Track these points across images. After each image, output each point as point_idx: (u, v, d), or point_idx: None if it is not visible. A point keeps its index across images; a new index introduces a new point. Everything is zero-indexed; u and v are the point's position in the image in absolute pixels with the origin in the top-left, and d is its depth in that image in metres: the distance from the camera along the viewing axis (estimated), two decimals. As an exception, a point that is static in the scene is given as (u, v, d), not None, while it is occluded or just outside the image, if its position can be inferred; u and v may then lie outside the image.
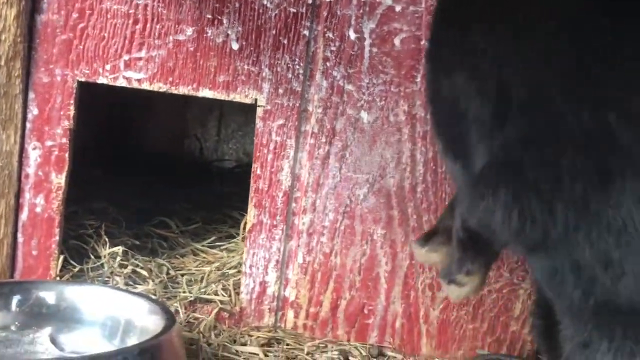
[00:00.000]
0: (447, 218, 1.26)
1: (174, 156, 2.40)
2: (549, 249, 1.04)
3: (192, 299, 1.54)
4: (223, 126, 2.45)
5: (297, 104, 1.49)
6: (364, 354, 1.51)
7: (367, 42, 1.48)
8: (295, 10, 1.47)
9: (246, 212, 1.54)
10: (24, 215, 1.50)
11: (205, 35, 1.47)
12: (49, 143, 1.49)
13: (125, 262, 1.59)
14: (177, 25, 1.47)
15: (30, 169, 1.49)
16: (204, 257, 1.73)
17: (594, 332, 1.03)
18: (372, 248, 1.53)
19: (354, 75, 1.49)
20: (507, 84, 1.05)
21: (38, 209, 1.50)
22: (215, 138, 2.45)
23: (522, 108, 1.04)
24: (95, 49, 1.47)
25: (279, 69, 1.48)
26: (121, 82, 1.48)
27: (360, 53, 1.48)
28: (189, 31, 1.47)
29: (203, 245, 1.77)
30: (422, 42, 1.47)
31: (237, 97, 1.49)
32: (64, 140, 1.49)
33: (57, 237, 1.51)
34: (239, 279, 1.56)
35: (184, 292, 1.56)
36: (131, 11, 1.46)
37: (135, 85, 1.48)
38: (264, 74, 1.48)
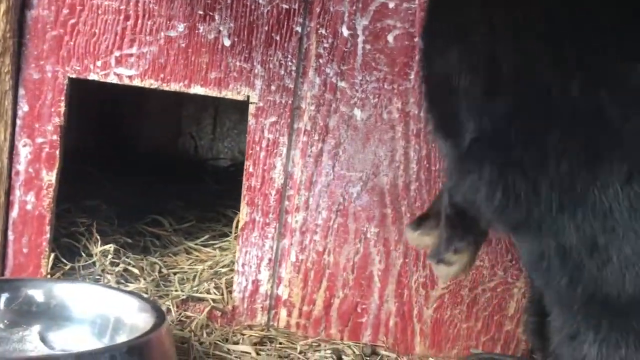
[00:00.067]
0: (439, 202, 1.25)
1: (168, 155, 2.40)
2: (532, 228, 1.04)
3: (184, 297, 1.53)
4: (218, 124, 2.44)
5: (290, 101, 1.48)
6: (357, 353, 1.50)
7: (360, 39, 1.47)
8: (287, 7, 1.46)
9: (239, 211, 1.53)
10: (14, 213, 1.49)
11: (196, 31, 1.46)
12: (39, 140, 1.48)
13: (117, 260, 1.58)
14: (168, 22, 1.46)
15: (21, 166, 1.48)
16: (197, 256, 1.72)
17: (581, 323, 1.03)
18: (365, 246, 1.52)
19: (347, 72, 1.48)
20: (498, 59, 1.05)
21: (29, 207, 1.49)
22: (210, 136, 2.45)
23: (511, 83, 1.04)
24: (86, 45, 1.46)
25: (271, 66, 1.47)
26: (112, 79, 1.47)
27: (354, 50, 1.47)
28: (181, 27, 1.46)
29: (196, 244, 1.76)
30: (416, 39, 1.46)
31: (229, 94, 1.48)
32: (55, 137, 1.48)
33: (48, 235, 1.50)
34: (232, 278, 1.55)
35: (176, 290, 1.55)
36: (122, 7, 1.45)
37: (126, 81, 1.47)
38: (256, 71, 1.47)
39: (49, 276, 1.49)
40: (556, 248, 1.03)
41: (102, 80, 1.47)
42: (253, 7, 1.46)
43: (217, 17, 1.46)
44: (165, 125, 2.43)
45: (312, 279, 1.53)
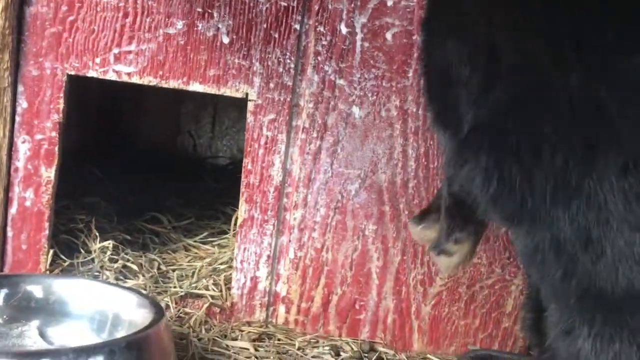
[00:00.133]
0: (441, 196, 1.26)
1: (167, 152, 2.40)
2: (526, 219, 1.04)
3: (182, 293, 1.53)
4: (217, 123, 2.44)
5: (289, 99, 1.49)
6: (355, 349, 1.50)
7: (358, 37, 1.48)
8: (286, 4, 1.46)
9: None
10: (13, 209, 1.50)
11: (195, 28, 1.47)
12: (38, 137, 1.48)
13: (116, 257, 1.58)
14: (167, 19, 1.46)
15: (20, 162, 1.49)
16: (196, 253, 1.72)
17: (576, 317, 1.03)
18: (363, 244, 1.52)
19: (345, 69, 1.48)
20: (498, 49, 1.06)
21: (27, 203, 1.50)
22: (209, 135, 2.45)
23: (510, 73, 1.05)
24: (85, 42, 1.46)
25: (270, 63, 1.48)
26: (111, 76, 1.47)
27: (352, 47, 1.48)
28: (179, 24, 1.46)
29: (195, 241, 1.77)
30: (414, 37, 1.47)
31: (227, 91, 1.48)
32: (54, 133, 1.48)
33: (47, 231, 1.50)
34: (230, 274, 1.55)
35: (175, 287, 1.55)
36: (121, 4, 1.46)
37: (125, 79, 1.47)
38: (254, 68, 1.48)
39: (47, 272, 1.49)
40: (550, 241, 1.03)
41: (101, 77, 1.47)
42: (252, 4, 1.46)
43: (215, 14, 1.47)
44: (164, 124, 2.44)
45: (311, 275, 1.53)
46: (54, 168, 1.49)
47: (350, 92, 1.49)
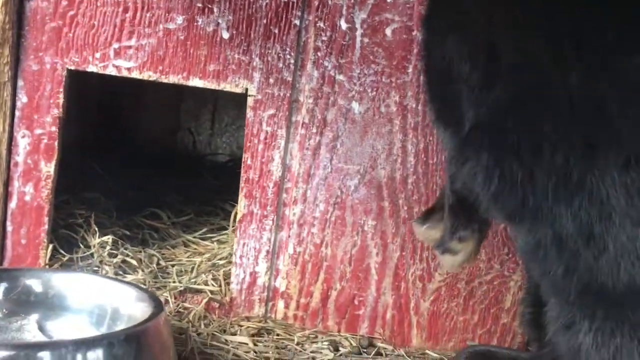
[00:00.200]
0: (444, 195, 1.26)
1: (167, 149, 2.40)
2: (527, 216, 1.04)
3: (181, 288, 1.53)
4: (217, 120, 2.44)
5: (288, 94, 1.49)
6: (354, 344, 1.50)
7: (358, 32, 1.48)
8: (286, 0, 1.46)
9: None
10: (12, 204, 1.50)
11: (195, 23, 1.47)
12: (38, 131, 1.48)
13: (115, 252, 1.59)
14: (167, 14, 1.46)
15: (20, 157, 1.49)
16: (195, 248, 1.73)
17: (577, 312, 1.04)
18: (362, 239, 1.52)
19: (345, 65, 1.48)
20: (498, 47, 1.06)
21: (27, 198, 1.50)
22: (209, 132, 2.45)
23: (510, 72, 1.05)
24: (85, 37, 1.46)
25: (269, 59, 1.48)
26: (111, 71, 1.47)
27: (352, 43, 1.48)
28: (179, 20, 1.47)
29: (194, 237, 1.77)
30: (414, 33, 1.47)
31: (227, 86, 1.49)
32: (54, 128, 1.48)
33: (47, 226, 1.51)
34: (230, 270, 1.55)
35: (174, 282, 1.55)
36: (121, -1, 1.46)
37: (125, 74, 1.47)
38: (254, 64, 1.48)
39: (47, 267, 1.49)
40: (552, 237, 1.04)
41: (101, 72, 1.47)
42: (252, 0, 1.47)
43: (215, 9, 1.47)
44: (164, 120, 2.44)
45: (310, 271, 1.53)
46: (53, 163, 1.49)
47: (349, 88, 1.49)
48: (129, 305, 1.26)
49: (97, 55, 1.47)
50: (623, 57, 1.01)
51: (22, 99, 1.47)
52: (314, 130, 1.50)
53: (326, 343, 1.49)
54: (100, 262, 1.56)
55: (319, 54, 1.48)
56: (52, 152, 1.49)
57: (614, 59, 1.01)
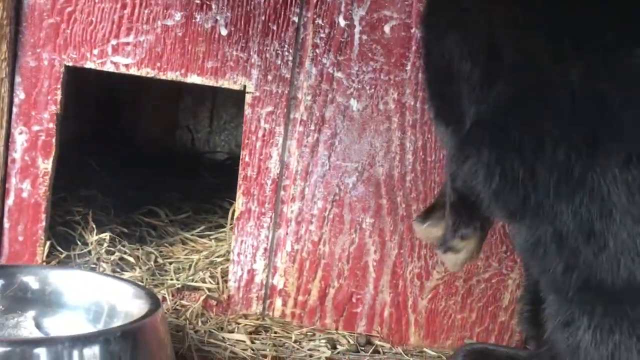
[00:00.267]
0: (445, 194, 1.26)
1: (166, 147, 2.40)
2: (528, 214, 1.04)
3: (179, 286, 1.53)
4: (215, 118, 2.44)
5: (286, 91, 1.49)
6: (351, 342, 1.50)
7: (356, 30, 1.47)
8: (284, -4, 1.46)
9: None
10: (10, 201, 1.49)
11: (193, 20, 1.46)
12: (35, 128, 1.48)
13: (113, 249, 1.58)
14: (165, 10, 1.46)
15: (17, 153, 1.48)
16: (193, 246, 1.72)
17: (575, 309, 1.03)
18: (360, 237, 1.52)
19: (343, 62, 1.48)
20: (498, 45, 1.06)
21: (24, 194, 1.49)
22: (207, 129, 2.45)
23: (511, 69, 1.05)
24: (82, 33, 1.46)
25: (267, 56, 1.48)
26: (109, 67, 1.47)
27: (350, 40, 1.48)
28: (178, 16, 1.46)
29: (192, 235, 1.76)
30: (413, 30, 1.47)
31: (225, 83, 1.48)
32: (51, 125, 1.48)
33: (44, 223, 1.50)
34: (227, 267, 1.55)
35: (172, 279, 1.55)
36: (119, -5, 1.46)
37: (122, 70, 1.47)
38: (252, 61, 1.48)
39: (44, 264, 1.49)
40: (553, 234, 1.03)
41: (99, 68, 1.47)
42: (250, -4, 1.46)
43: (214, 6, 1.46)
44: (162, 118, 2.43)
45: (308, 268, 1.53)
46: (51, 159, 1.49)
47: (348, 85, 1.49)
48: (125, 303, 1.26)
49: (95, 51, 1.46)
50: (623, 54, 1.01)
51: (20, 95, 1.47)
52: (312, 128, 1.50)
53: (324, 341, 1.49)
54: (98, 259, 1.55)
55: (317, 51, 1.48)
56: (49, 149, 1.48)
57: (614, 56, 1.01)
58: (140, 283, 1.43)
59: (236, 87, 1.48)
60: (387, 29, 1.47)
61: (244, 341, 1.43)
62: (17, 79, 1.46)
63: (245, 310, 1.53)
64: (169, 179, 2.09)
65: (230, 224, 1.68)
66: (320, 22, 1.47)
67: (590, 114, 1.01)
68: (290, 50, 1.48)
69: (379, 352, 1.50)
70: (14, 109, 1.47)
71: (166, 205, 1.87)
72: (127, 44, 1.46)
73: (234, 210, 1.56)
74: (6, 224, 1.50)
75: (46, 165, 1.49)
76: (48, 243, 1.51)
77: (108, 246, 1.58)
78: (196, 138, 2.43)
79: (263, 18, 1.47)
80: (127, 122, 2.36)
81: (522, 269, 1.48)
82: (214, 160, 2.40)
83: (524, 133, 1.03)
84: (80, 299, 1.30)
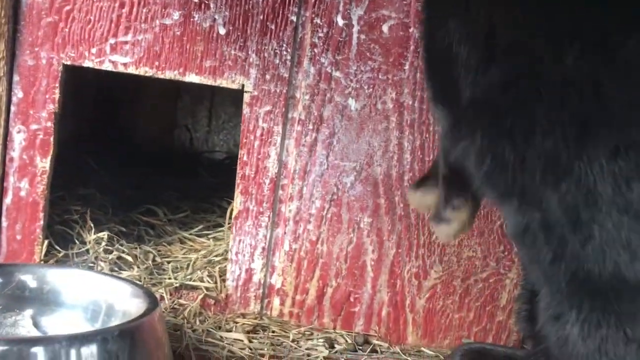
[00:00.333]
0: (438, 165, 1.26)
1: (164, 147, 2.40)
2: (515, 199, 1.05)
3: (177, 285, 1.53)
4: (213, 117, 2.44)
5: (285, 91, 1.49)
6: (349, 342, 1.50)
7: (355, 29, 1.47)
8: (282, -4, 1.46)
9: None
10: (8, 200, 1.49)
11: (192, 19, 1.46)
12: (33, 127, 1.48)
13: (111, 248, 1.58)
14: (163, 9, 1.46)
15: (15, 152, 1.48)
16: (191, 245, 1.72)
17: (565, 303, 1.04)
18: (358, 236, 1.52)
19: (341, 62, 1.48)
20: (495, 28, 1.06)
21: (22, 193, 1.49)
22: (206, 129, 2.45)
23: (505, 52, 1.05)
24: (81, 32, 1.46)
25: (266, 55, 1.48)
26: (107, 66, 1.47)
27: (348, 40, 1.48)
28: (176, 15, 1.46)
29: (190, 234, 1.76)
30: (411, 30, 1.47)
31: (223, 82, 1.48)
32: (49, 124, 1.48)
33: (42, 222, 1.50)
34: (225, 266, 1.55)
35: (170, 278, 1.55)
36: (117, -6, 1.46)
37: (121, 69, 1.47)
38: (251, 60, 1.48)
39: (42, 263, 1.49)
40: (541, 221, 1.04)
41: (97, 67, 1.47)
42: (248, -5, 1.46)
43: (212, 5, 1.46)
44: (160, 117, 2.43)
45: (305, 268, 1.53)
46: (49, 158, 1.49)
47: (346, 85, 1.49)
48: (123, 301, 1.26)
49: (93, 50, 1.46)
50: (619, 39, 1.01)
51: (18, 94, 1.47)
52: (310, 127, 1.50)
53: (321, 340, 1.49)
54: (96, 258, 1.55)
55: (315, 50, 1.48)
56: (47, 148, 1.48)
57: (609, 41, 1.01)
58: (138, 282, 1.43)
59: (234, 86, 1.48)
60: (385, 28, 1.47)
61: (242, 340, 1.43)
62: (15, 78, 1.46)
63: (243, 310, 1.53)
64: (167, 178, 2.09)
65: (229, 223, 1.68)
66: (318, 21, 1.47)
67: (582, 103, 1.01)
68: (289, 50, 1.48)
69: (376, 352, 1.50)
70: (12, 108, 1.47)
71: (164, 205, 1.87)
72: (126, 42, 1.46)
73: (232, 210, 1.56)
74: (4, 223, 1.50)
75: (44, 164, 1.49)
76: (46, 242, 1.51)
77: (106, 245, 1.58)
78: (194, 137, 2.44)
79: (261, 17, 1.47)
80: (126, 121, 2.36)
81: (519, 269, 1.48)
82: (212, 159, 2.40)
83: (516, 117, 1.04)
84: (78, 298, 1.30)
